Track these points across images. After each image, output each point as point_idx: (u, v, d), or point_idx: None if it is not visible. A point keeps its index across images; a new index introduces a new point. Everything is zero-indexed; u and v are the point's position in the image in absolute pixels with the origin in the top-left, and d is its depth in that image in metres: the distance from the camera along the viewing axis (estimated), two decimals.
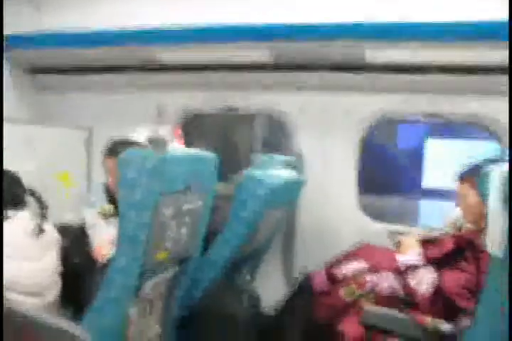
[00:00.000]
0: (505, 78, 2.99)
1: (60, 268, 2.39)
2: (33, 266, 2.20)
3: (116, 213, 2.47)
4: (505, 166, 1.78)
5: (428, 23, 2.71)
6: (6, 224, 2.16)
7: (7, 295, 2.05)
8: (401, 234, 3.20)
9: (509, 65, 2.58)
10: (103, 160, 2.73)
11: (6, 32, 3.34)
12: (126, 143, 2.59)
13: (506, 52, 2.77)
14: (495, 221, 1.87)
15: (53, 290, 2.30)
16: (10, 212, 2.20)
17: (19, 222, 2.22)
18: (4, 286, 2.04)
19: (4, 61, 3.59)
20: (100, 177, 2.81)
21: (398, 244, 2.90)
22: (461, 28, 2.67)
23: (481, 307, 2.10)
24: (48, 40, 3.36)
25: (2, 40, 3.27)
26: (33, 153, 3.34)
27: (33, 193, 2.35)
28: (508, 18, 2.43)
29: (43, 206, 2.33)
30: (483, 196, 2.05)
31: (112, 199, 2.70)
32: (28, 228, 2.22)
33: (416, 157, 7.15)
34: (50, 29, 3.30)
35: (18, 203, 2.28)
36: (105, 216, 2.74)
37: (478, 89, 3.17)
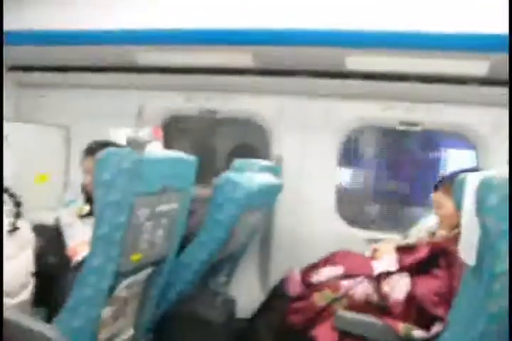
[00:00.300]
0: (483, 89, 3.04)
1: (33, 268, 2.36)
2: (7, 265, 2.17)
3: (92, 213, 2.46)
4: (479, 175, 1.80)
5: (408, 32, 2.73)
6: None
7: None
8: (378, 240, 3.21)
9: (509, 75, 2.61)
10: (81, 160, 2.72)
11: None
12: (105, 144, 2.59)
13: (485, 64, 2.81)
14: (468, 228, 1.89)
15: (26, 291, 2.28)
16: None
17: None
18: None
19: None
20: (78, 176, 2.80)
21: (374, 251, 2.92)
22: (442, 39, 2.70)
23: (453, 313, 2.12)
24: (28, 37, 3.34)
25: (2, 39, 3.25)
26: (10, 150, 3.31)
27: (6, 191, 2.33)
28: (508, 25, 2.46)
29: (17, 204, 2.31)
30: (457, 204, 2.07)
31: (88, 199, 2.69)
32: (2, 226, 2.20)
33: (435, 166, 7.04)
34: (32, 27, 3.28)
35: None
36: (81, 216, 2.73)
37: (457, 99, 3.21)
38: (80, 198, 2.79)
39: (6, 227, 2.19)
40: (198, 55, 3.27)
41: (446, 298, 2.30)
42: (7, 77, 3.84)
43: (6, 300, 2.13)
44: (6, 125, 3.33)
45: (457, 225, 2.20)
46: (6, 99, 3.81)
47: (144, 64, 3.49)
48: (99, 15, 3.18)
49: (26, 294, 2.26)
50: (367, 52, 2.94)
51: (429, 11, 2.71)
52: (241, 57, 3.20)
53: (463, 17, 2.65)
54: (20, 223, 2.26)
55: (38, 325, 2.02)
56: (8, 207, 2.33)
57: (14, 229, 2.21)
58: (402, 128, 3.40)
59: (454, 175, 2.46)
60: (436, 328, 2.28)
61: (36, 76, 3.87)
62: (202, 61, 3.34)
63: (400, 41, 2.80)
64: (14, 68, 3.84)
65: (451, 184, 2.29)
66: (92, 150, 2.63)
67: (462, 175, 2.01)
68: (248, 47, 3.10)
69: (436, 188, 2.69)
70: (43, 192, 3.63)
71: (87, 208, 2.71)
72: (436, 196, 2.67)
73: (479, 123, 3.25)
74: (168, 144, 3.37)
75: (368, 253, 2.95)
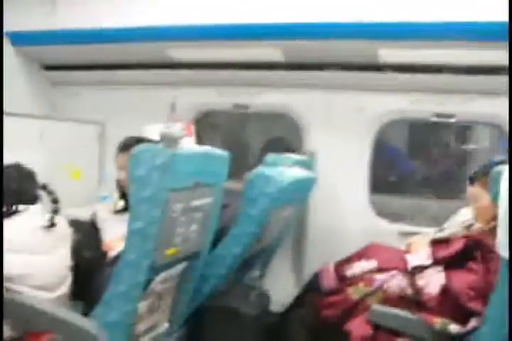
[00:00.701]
0: None
1: (71, 263, 2.40)
2: (45, 259, 2.21)
3: (127, 208, 2.49)
4: None
5: (440, 22, 2.70)
6: (17, 218, 2.18)
7: (19, 288, 2.08)
8: (412, 234, 3.19)
9: (509, 65, 2.57)
10: (115, 156, 2.75)
11: (20, 29, 3.38)
12: (139, 140, 2.61)
13: None
14: (505, 221, 1.87)
15: (64, 285, 2.31)
16: (21, 206, 2.22)
17: (31, 215, 2.24)
18: (15, 280, 2.07)
19: (18, 57, 3.63)
20: (112, 172, 2.83)
21: (410, 245, 2.90)
22: (473, 28, 2.66)
23: (490, 308, 2.10)
24: (61, 36, 3.39)
25: (2, 38, 3.31)
26: (46, 147, 3.37)
27: (45, 187, 2.36)
28: (508, 17, 2.42)
29: (55, 200, 2.34)
30: (493, 197, 2.04)
31: (123, 195, 2.72)
32: (40, 222, 2.23)
33: None
34: (64, 26, 3.33)
35: (30, 197, 2.30)
36: (116, 211, 2.76)
37: (489, 89, 3.15)
38: (115, 194, 2.83)
39: (44, 222, 2.23)
40: (228, 50, 3.28)
41: (483, 293, 2.27)
42: (42, 76, 3.90)
43: (44, 295, 2.17)
44: (41, 122, 3.39)
45: (494, 218, 2.17)
46: (41, 98, 3.89)
47: (175, 60, 3.51)
48: (130, 12, 3.22)
49: (64, 288, 2.30)
50: (399, 44, 2.91)
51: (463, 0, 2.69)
52: (271, 51, 3.20)
53: (497, 6, 2.60)
54: (57, 218, 2.29)
55: (76, 318, 2.06)
56: (44, 203, 2.37)
57: (52, 224, 2.25)
58: (435, 120, 3.36)
59: (489, 167, 2.43)
60: (472, 323, 2.25)
61: (70, 74, 3.93)
62: (233, 56, 3.36)
63: (433, 32, 2.77)
64: (48, 67, 3.90)
65: (487, 176, 2.26)
66: (125, 146, 2.66)
67: (498, 168, 1.98)
68: (278, 42, 3.10)
69: (471, 181, 2.65)
70: (77, 188, 3.68)
71: (121, 203, 2.74)
72: (473, 189, 2.63)
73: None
74: (200, 139, 3.40)
75: (403, 247, 2.93)
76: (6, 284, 2.04)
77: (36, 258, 2.17)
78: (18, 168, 2.33)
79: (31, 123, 3.32)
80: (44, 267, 2.20)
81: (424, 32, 2.79)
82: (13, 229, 2.13)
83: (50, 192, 2.36)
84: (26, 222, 2.21)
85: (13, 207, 2.21)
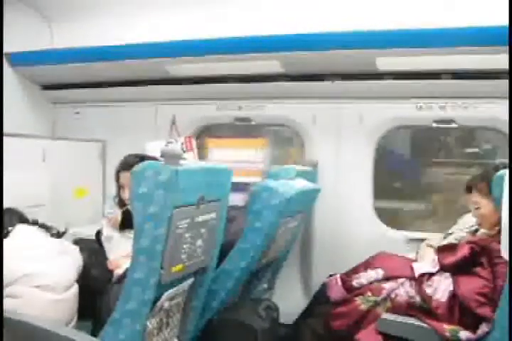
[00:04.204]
0: None
1: (78, 282, 2.42)
2: (52, 263, 2.28)
3: (130, 226, 2.49)
4: None
5: (436, 29, 2.71)
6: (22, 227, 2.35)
7: (24, 290, 2.15)
8: (419, 240, 3.19)
9: (509, 67, 2.57)
10: (116, 174, 2.75)
11: (19, 49, 3.41)
12: (140, 157, 2.62)
13: None
14: (507, 225, 1.86)
15: (70, 290, 2.34)
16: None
17: (33, 228, 2.40)
18: (22, 281, 2.14)
19: (18, 77, 3.66)
20: (116, 190, 2.83)
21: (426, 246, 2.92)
22: (469, 33, 2.67)
23: (499, 313, 2.09)
24: (59, 56, 3.41)
25: (1, 41, 3.33)
26: (49, 167, 3.38)
27: (36, 222, 2.47)
28: (508, 21, 2.43)
29: (47, 227, 2.47)
30: (496, 200, 2.04)
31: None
32: (41, 234, 2.39)
33: None
34: (61, 45, 3.36)
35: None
36: (121, 226, 2.75)
37: (490, 93, 3.15)
38: (117, 211, 2.82)
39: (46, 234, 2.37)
40: (226, 64, 3.29)
41: (491, 297, 2.26)
42: (41, 95, 3.92)
43: (51, 296, 2.21)
44: (43, 142, 3.41)
45: (499, 222, 2.17)
46: (42, 117, 3.91)
47: (174, 75, 3.53)
48: (127, 29, 3.24)
49: (72, 291, 2.34)
50: (397, 52, 2.92)
51: (459, 5, 2.69)
52: (270, 63, 3.21)
53: (494, 10, 2.61)
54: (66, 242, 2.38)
55: (85, 339, 2.05)
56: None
57: (57, 234, 2.34)
58: (437, 126, 3.35)
59: (486, 174, 2.44)
60: (482, 329, 2.24)
61: (69, 93, 3.94)
62: (231, 69, 3.37)
63: (429, 38, 2.78)
64: (47, 87, 3.92)
65: (485, 183, 2.27)
66: (126, 164, 2.66)
67: (501, 172, 1.99)
68: (276, 54, 3.10)
69: (469, 189, 2.65)
70: (82, 207, 3.69)
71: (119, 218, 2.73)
72: (473, 197, 2.62)
73: None
74: (202, 154, 3.40)
75: (412, 254, 2.93)
76: (10, 289, 2.12)
77: (44, 260, 2.26)
78: (10, 212, 2.47)
79: (34, 143, 3.33)
80: (51, 268, 2.25)
81: (420, 39, 2.79)
82: (20, 237, 2.29)
83: (41, 225, 2.48)
84: (31, 230, 2.38)
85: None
